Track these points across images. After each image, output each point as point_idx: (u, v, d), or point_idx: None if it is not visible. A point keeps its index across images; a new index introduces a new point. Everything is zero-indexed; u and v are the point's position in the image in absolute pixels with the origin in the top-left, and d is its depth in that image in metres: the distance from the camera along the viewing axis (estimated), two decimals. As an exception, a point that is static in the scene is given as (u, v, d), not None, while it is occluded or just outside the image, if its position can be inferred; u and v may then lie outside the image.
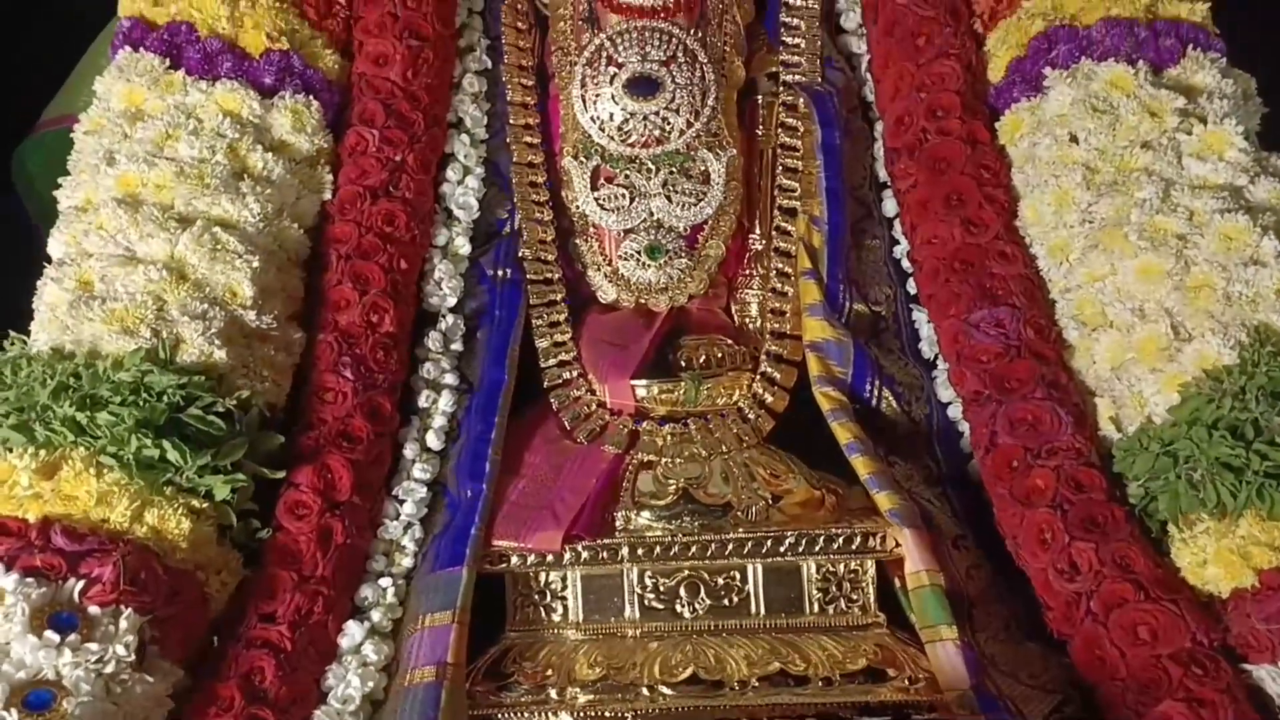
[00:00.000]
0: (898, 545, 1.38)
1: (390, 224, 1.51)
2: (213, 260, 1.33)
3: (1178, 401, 1.24)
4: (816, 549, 1.40)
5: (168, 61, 1.46)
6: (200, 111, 1.43)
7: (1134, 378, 1.30)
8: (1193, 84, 1.43)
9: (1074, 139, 1.43)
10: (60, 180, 1.44)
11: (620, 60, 1.62)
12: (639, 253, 1.63)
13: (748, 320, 1.67)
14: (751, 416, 1.55)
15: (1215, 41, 1.48)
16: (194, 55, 1.46)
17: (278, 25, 1.50)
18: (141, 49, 1.46)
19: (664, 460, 1.50)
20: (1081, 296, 1.38)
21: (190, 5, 1.48)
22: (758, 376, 1.58)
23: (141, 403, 1.21)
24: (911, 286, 1.60)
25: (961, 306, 1.44)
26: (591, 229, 1.66)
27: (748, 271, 1.68)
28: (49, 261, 1.38)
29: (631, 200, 1.63)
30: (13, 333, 1.31)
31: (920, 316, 1.59)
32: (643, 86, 1.61)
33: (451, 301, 1.57)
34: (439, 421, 1.51)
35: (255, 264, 1.36)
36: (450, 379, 1.54)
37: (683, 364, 1.59)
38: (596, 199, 1.63)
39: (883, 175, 1.67)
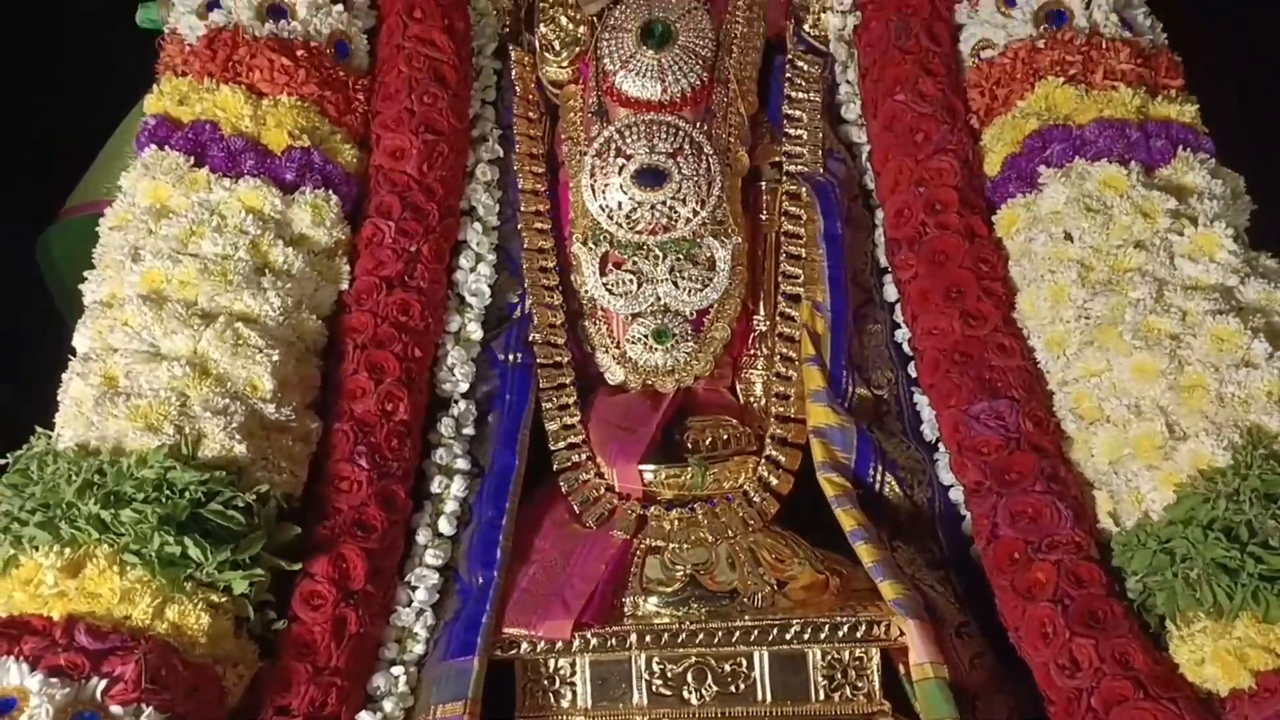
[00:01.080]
0: (902, 634, 1.40)
1: (405, 313, 1.55)
2: (234, 355, 1.37)
3: (1174, 500, 1.27)
4: (822, 636, 1.42)
5: (192, 159, 1.50)
6: (223, 208, 1.48)
7: (1131, 473, 1.33)
8: (1183, 184, 1.48)
9: (1069, 236, 1.47)
10: (85, 273, 1.48)
11: (629, 152, 1.67)
12: (646, 337, 1.68)
13: (752, 400, 1.71)
14: (757, 500, 1.59)
15: (1204, 141, 1.53)
16: (218, 153, 1.50)
17: (299, 123, 1.55)
18: (167, 147, 1.51)
19: (671, 546, 1.53)
20: (1079, 390, 1.42)
21: (215, 105, 1.53)
22: (763, 460, 1.62)
23: (164, 499, 1.24)
24: (912, 370, 1.64)
25: (962, 398, 1.47)
26: (600, 312, 1.70)
27: (752, 352, 1.72)
28: (74, 354, 1.42)
29: (639, 285, 1.67)
30: (38, 428, 1.34)
31: (922, 399, 1.62)
32: (650, 177, 1.66)
33: (464, 387, 1.61)
34: (451, 507, 1.54)
35: (275, 357, 1.40)
36: (462, 464, 1.57)
37: (689, 446, 1.63)
38: (605, 284, 1.68)
39: (883, 261, 1.71)
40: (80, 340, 1.41)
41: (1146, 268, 1.40)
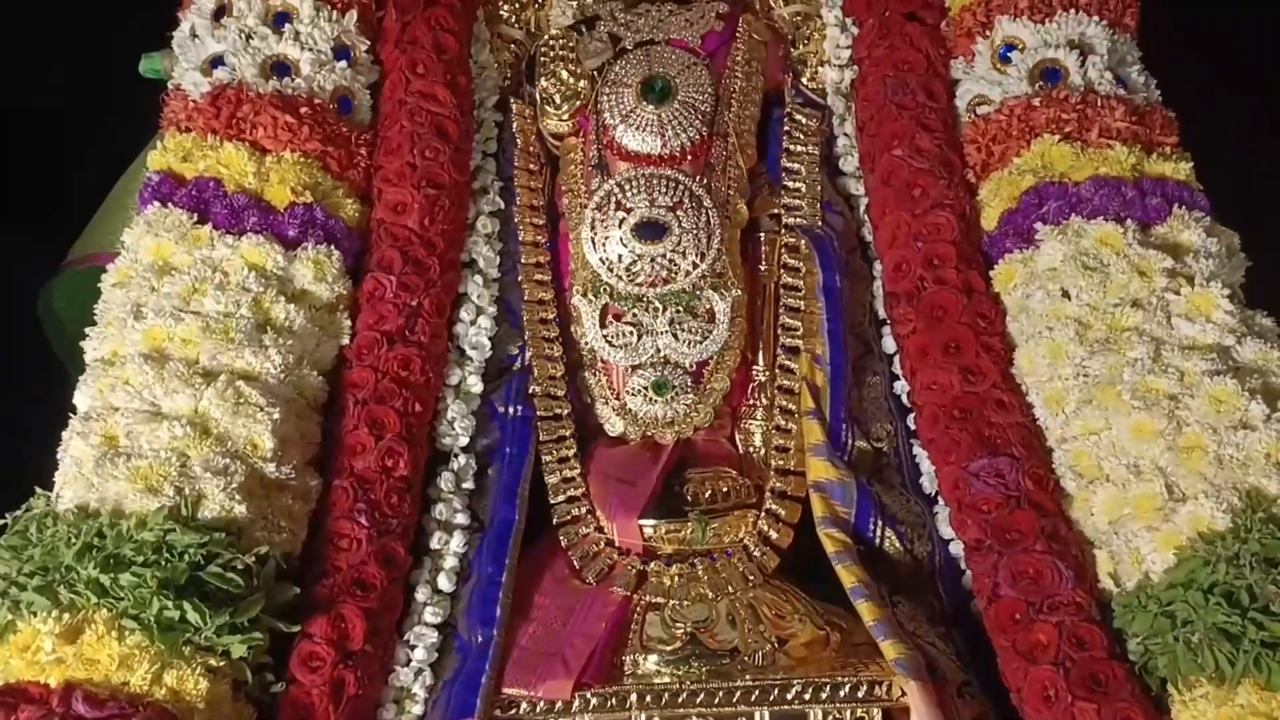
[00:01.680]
0: (904, 694, 1.40)
1: (406, 368, 1.55)
2: (235, 415, 1.37)
3: (1174, 562, 1.27)
4: (823, 697, 1.42)
5: (195, 216, 1.51)
6: (226, 265, 1.48)
7: (1131, 533, 1.33)
8: (1179, 242, 1.49)
9: (1066, 294, 1.48)
10: (87, 330, 1.48)
11: (629, 205, 1.69)
12: (646, 389, 1.68)
13: (751, 450, 1.71)
14: (757, 554, 1.59)
15: (1199, 199, 1.54)
16: (221, 210, 1.51)
17: (301, 179, 1.56)
18: (170, 204, 1.51)
19: (671, 602, 1.52)
20: (1078, 449, 1.42)
21: (218, 162, 1.54)
22: (763, 513, 1.62)
23: (163, 562, 1.24)
24: (911, 422, 1.64)
25: (962, 454, 1.48)
26: (600, 364, 1.70)
27: (751, 402, 1.73)
28: (74, 412, 1.42)
29: (639, 338, 1.68)
30: (38, 489, 1.34)
31: (921, 452, 1.62)
32: (650, 230, 1.67)
33: (464, 441, 1.61)
34: (450, 563, 1.53)
35: (276, 416, 1.40)
36: (462, 518, 1.57)
37: (689, 499, 1.63)
38: (605, 336, 1.69)
39: (882, 312, 1.72)
40: (81, 399, 1.41)
41: (1144, 327, 1.40)
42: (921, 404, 1.58)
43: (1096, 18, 1.65)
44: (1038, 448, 1.47)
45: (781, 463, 1.65)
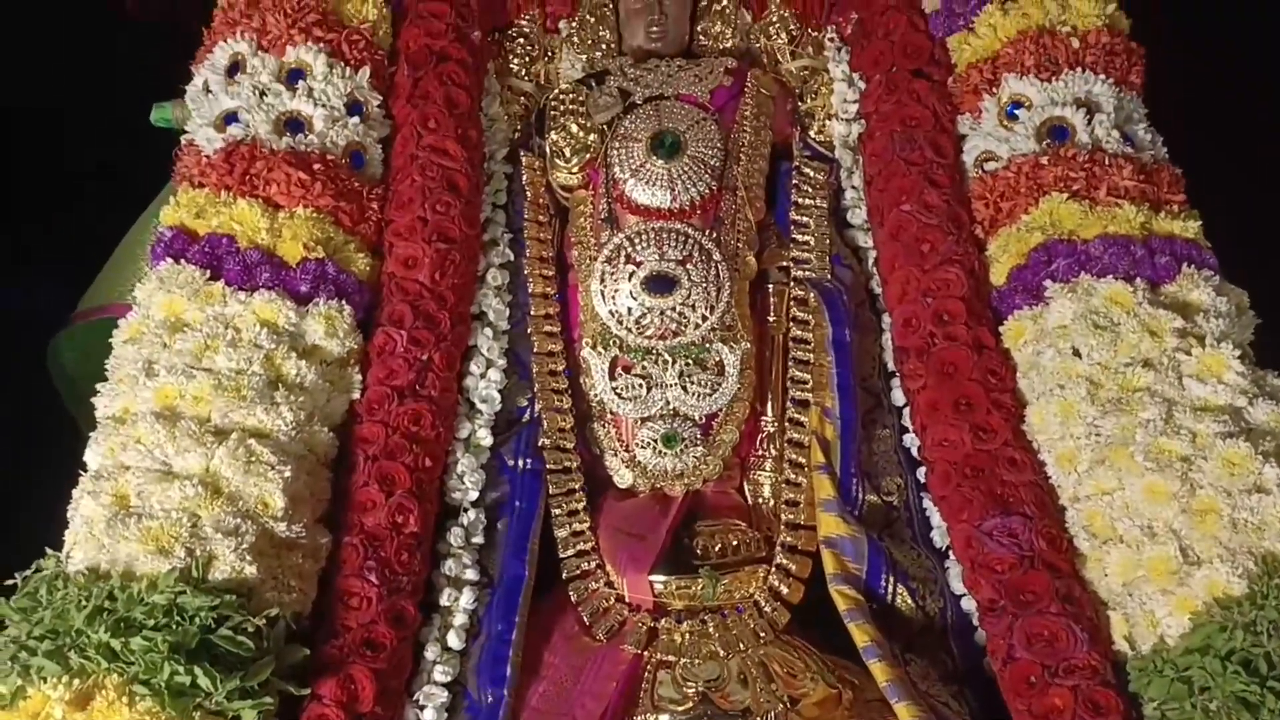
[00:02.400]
0: (918, 755, 1.39)
1: (416, 423, 1.55)
2: (246, 473, 1.36)
3: (1189, 627, 1.27)
4: (836, 758, 1.41)
5: (208, 272, 1.51)
6: (238, 321, 1.48)
7: (1145, 595, 1.33)
8: (1189, 301, 1.49)
9: (1077, 352, 1.49)
10: (98, 386, 1.48)
11: (639, 259, 1.69)
12: (655, 441, 1.68)
13: (760, 501, 1.71)
14: (768, 610, 1.58)
15: (1208, 257, 1.55)
16: (234, 266, 1.51)
17: (314, 235, 1.56)
18: (183, 260, 1.52)
19: (683, 660, 1.51)
20: (1091, 508, 1.42)
21: (232, 218, 1.54)
22: (773, 568, 1.61)
23: (174, 626, 1.23)
24: (921, 474, 1.64)
25: (974, 513, 1.47)
26: (609, 415, 1.71)
27: (760, 453, 1.73)
28: (84, 469, 1.41)
29: (648, 390, 1.68)
30: (49, 550, 1.33)
31: (932, 505, 1.62)
32: (660, 284, 1.68)
33: (473, 495, 1.61)
34: (460, 619, 1.52)
35: (287, 474, 1.39)
36: (471, 574, 1.56)
37: (698, 553, 1.63)
38: (614, 388, 1.69)
39: (891, 365, 1.72)
40: (92, 457, 1.40)
41: (1155, 387, 1.41)
42: (933, 460, 1.58)
43: (1103, 76, 1.66)
44: (1050, 506, 1.47)
45: (791, 517, 1.65)
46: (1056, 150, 1.62)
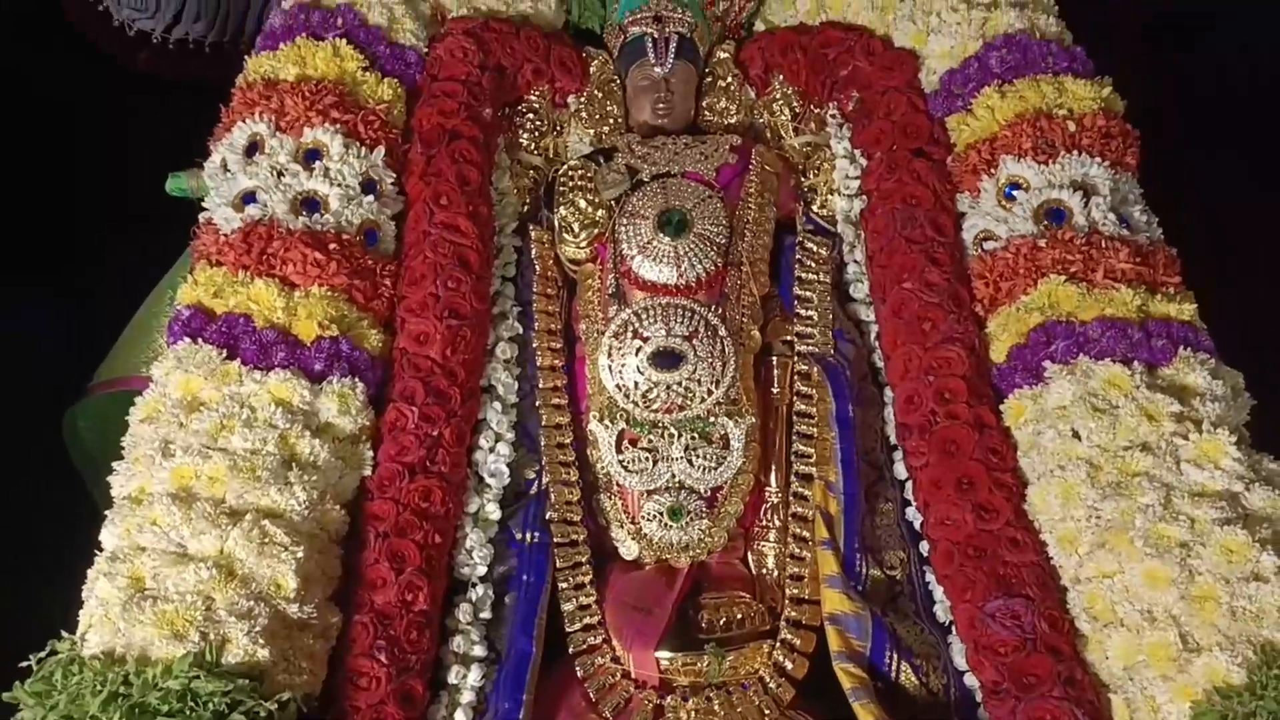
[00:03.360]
0: (922, 836, 1.40)
1: (427, 500, 1.57)
2: (260, 555, 1.38)
3: (1190, 715, 1.28)
4: (841, 839, 1.41)
5: (225, 352, 1.54)
6: (253, 400, 1.51)
7: (1146, 680, 1.35)
8: (1185, 384, 1.52)
9: (1076, 434, 1.51)
10: (114, 465, 1.50)
11: (645, 334, 1.72)
12: (661, 514, 1.70)
13: (765, 572, 1.73)
14: (773, 686, 1.59)
15: (1204, 339, 1.58)
16: (250, 346, 1.54)
17: (328, 313, 1.59)
18: (200, 340, 1.54)
19: (689, 739, 1.52)
20: (1091, 591, 1.44)
21: (249, 298, 1.57)
22: (778, 643, 1.63)
23: (189, 711, 1.24)
24: (924, 547, 1.66)
25: (977, 593, 1.50)
26: (615, 487, 1.73)
27: (764, 523, 1.75)
28: (99, 548, 1.43)
29: (654, 463, 1.70)
30: (64, 632, 1.35)
31: (934, 579, 1.64)
32: (666, 359, 1.71)
33: (482, 571, 1.62)
34: (467, 697, 1.54)
35: (299, 554, 1.41)
36: (479, 650, 1.57)
37: (704, 627, 1.64)
38: (621, 461, 1.71)
39: (893, 438, 1.75)
40: (108, 537, 1.42)
41: (1154, 472, 1.43)
42: (935, 539, 1.60)
43: (1099, 159, 1.70)
44: (1052, 587, 1.49)
45: (796, 591, 1.66)
46: (1054, 232, 1.66)
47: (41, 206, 2.34)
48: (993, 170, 1.74)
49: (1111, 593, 1.41)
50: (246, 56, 1.81)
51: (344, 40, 1.77)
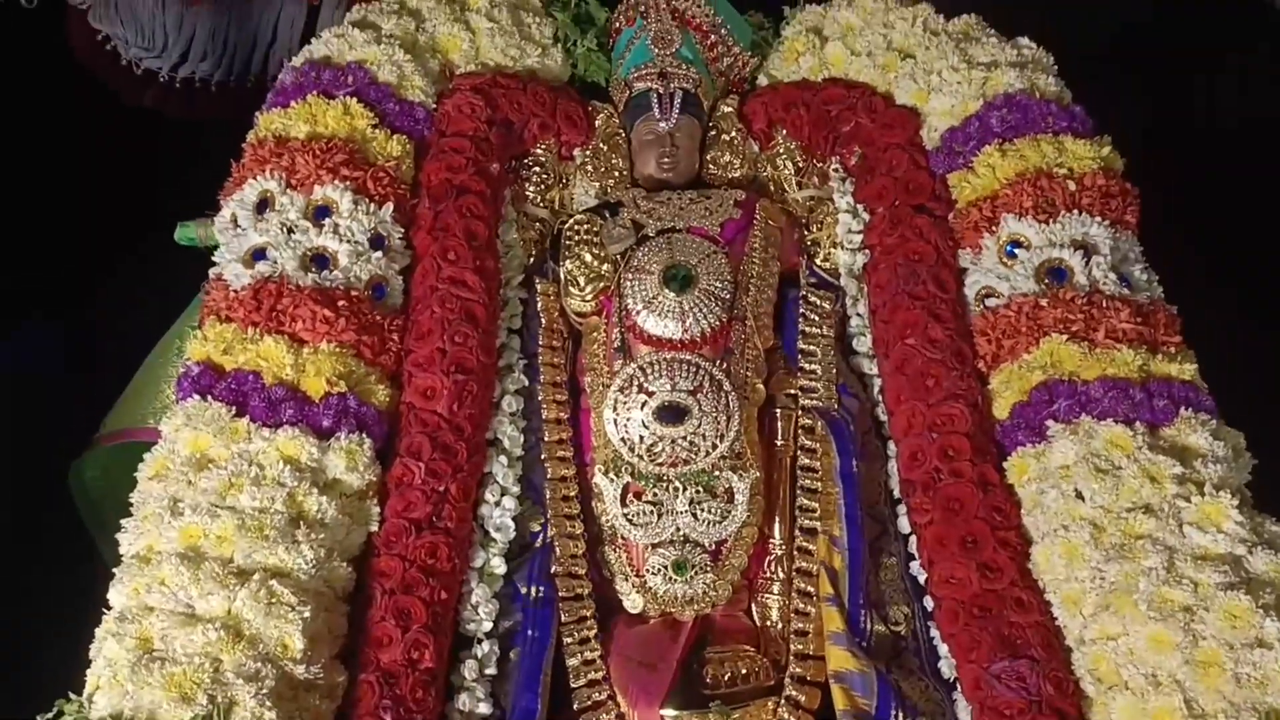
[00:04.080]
0: None
1: (433, 556, 1.57)
2: (268, 616, 1.39)
3: (1198, 783, 1.29)
4: None
5: (234, 409, 1.55)
6: (262, 458, 1.52)
7: (1152, 746, 1.35)
8: (1187, 445, 1.53)
9: (1080, 495, 1.52)
10: (122, 521, 1.50)
11: (651, 389, 1.74)
12: (666, 568, 1.70)
13: (769, 624, 1.73)
14: (778, 744, 1.59)
15: (1205, 400, 1.60)
16: (259, 403, 1.55)
17: (337, 369, 1.60)
18: (209, 397, 1.55)
19: (694, 799, 1.52)
20: (1096, 653, 1.44)
21: (258, 355, 1.58)
22: (783, 700, 1.63)
23: (196, 775, 1.24)
24: (928, 602, 1.66)
25: (983, 654, 1.50)
26: (620, 540, 1.73)
27: (767, 575, 1.75)
28: (108, 608, 1.43)
29: (659, 517, 1.71)
30: (71, 694, 1.35)
31: (937, 632, 1.64)
32: (672, 414, 1.72)
33: (487, 626, 1.63)
34: (473, 755, 1.53)
35: (306, 614, 1.42)
36: (484, 708, 1.57)
37: (708, 681, 1.64)
38: (626, 515, 1.72)
39: (897, 491, 1.76)
40: (116, 596, 1.43)
41: (1157, 535, 1.44)
42: (940, 597, 1.60)
43: (1099, 218, 1.72)
44: (1057, 647, 1.50)
45: (800, 647, 1.67)
46: (1055, 292, 1.67)
47: (46, 247, 2.36)
48: (994, 228, 1.76)
49: (1116, 655, 1.41)
50: (259, 114, 1.83)
51: (354, 98, 1.79)
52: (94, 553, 1.76)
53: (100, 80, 2.64)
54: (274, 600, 1.40)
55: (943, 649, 1.63)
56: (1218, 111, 2.46)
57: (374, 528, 1.59)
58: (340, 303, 1.64)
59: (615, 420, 1.74)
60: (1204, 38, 2.49)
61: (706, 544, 1.71)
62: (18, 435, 1.99)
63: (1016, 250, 1.74)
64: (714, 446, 1.72)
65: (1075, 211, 1.72)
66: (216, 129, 1.99)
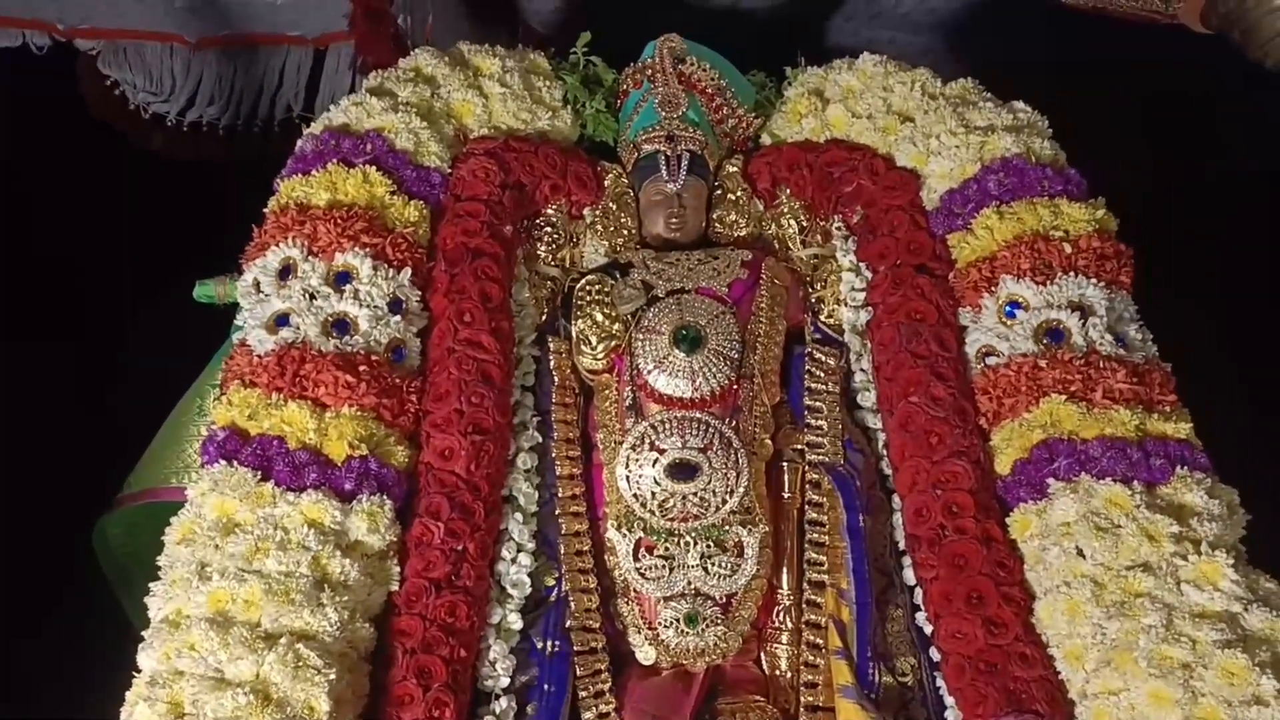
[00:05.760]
0: None
1: (453, 615, 1.61)
2: (295, 679, 1.43)
3: (1200, 841, 1.33)
4: None
5: (259, 474, 1.59)
6: (286, 522, 1.56)
7: (1155, 802, 1.39)
8: (1183, 503, 1.58)
9: (1080, 552, 1.57)
10: (151, 585, 1.54)
11: (662, 446, 1.78)
12: (678, 620, 1.75)
13: (778, 674, 1.77)
14: (791, 797, 1.63)
15: (1200, 457, 1.65)
16: (283, 468, 1.59)
17: (358, 433, 1.65)
18: (235, 462, 1.60)
19: None
20: (1099, 707, 1.49)
21: (282, 420, 1.63)
22: (795, 752, 1.67)
23: (226, 841, 1.27)
24: (934, 653, 1.71)
25: (988, 709, 1.54)
26: (632, 593, 1.77)
27: (776, 624, 1.79)
28: (137, 671, 1.47)
29: (671, 570, 1.76)
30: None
31: (946, 689, 1.68)
32: (683, 471, 1.77)
33: (505, 682, 1.66)
34: (491, 811, 1.57)
35: (332, 676, 1.45)
36: (503, 764, 1.61)
37: (719, 732, 1.69)
38: (638, 569, 1.76)
39: (902, 544, 1.80)
40: (146, 660, 1.46)
41: (1155, 593, 1.49)
42: (947, 651, 1.65)
43: (1095, 280, 1.78)
44: (1061, 702, 1.54)
45: (810, 699, 1.71)
46: (1054, 352, 1.73)
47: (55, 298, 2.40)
48: (993, 288, 1.81)
49: (1118, 710, 1.46)
50: (279, 180, 1.88)
51: (373, 165, 1.85)
52: (119, 613, 1.79)
53: (109, 124, 2.70)
54: (300, 664, 1.44)
55: (949, 700, 1.67)
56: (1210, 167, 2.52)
57: (394, 587, 1.63)
58: (361, 367, 1.69)
59: (628, 477, 1.79)
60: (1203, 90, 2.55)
61: (717, 597, 1.75)
62: (39, 492, 2.03)
63: (1016, 311, 1.79)
64: (724, 502, 1.77)
65: (1071, 274, 1.78)
66: (238, 184, 2.03)
